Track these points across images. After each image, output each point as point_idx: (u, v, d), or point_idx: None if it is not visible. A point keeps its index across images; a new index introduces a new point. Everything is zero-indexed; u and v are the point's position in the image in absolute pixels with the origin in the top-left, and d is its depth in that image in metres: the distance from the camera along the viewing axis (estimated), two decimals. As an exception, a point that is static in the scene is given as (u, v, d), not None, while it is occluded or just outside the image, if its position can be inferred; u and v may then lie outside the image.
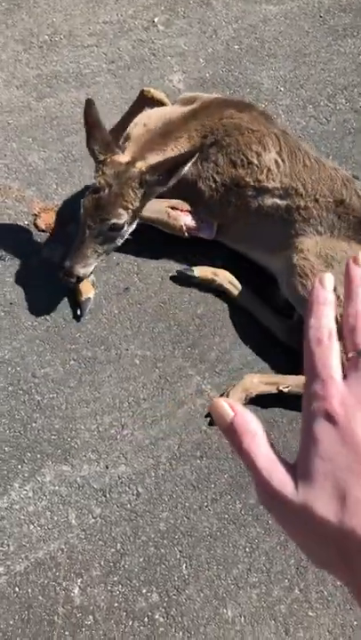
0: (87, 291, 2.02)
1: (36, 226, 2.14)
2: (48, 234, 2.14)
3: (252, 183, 2.04)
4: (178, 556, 1.72)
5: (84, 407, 1.87)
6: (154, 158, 1.90)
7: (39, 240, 2.12)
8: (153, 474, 1.83)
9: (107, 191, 1.78)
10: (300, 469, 0.48)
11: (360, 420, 0.47)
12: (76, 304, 2.02)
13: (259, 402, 2.04)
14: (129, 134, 1.98)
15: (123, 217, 1.83)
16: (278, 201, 2.04)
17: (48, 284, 2.05)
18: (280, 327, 2.07)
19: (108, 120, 2.46)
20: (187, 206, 2.11)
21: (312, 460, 0.47)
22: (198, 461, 1.89)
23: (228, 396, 1.94)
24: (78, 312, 2.00)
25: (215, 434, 1.94)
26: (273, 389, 1.95)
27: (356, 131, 2.93)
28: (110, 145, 1.84)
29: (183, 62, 2.86)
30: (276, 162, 2.05)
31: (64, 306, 2.02)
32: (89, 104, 1.83)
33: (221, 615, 1.69)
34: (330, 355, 0.50)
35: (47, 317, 1.98)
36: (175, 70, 2.82)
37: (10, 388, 1.84)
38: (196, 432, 1.93)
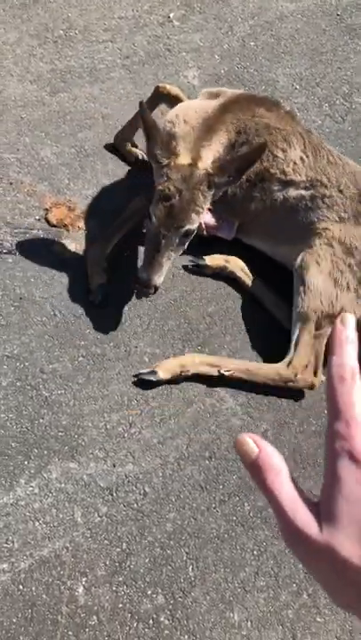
0: (99, 277, 2.02)
1: (48, 221, 2.13)
2: (59, 229, 2.12)
3: (278, 175, 2.05)
4: (184, 558, 1.69)
5: (92, 404, 1.84)
6: (207, 155, 1.86)
7: (50, 235, 2.10)
8: (160, 473, 1.80)
9: (178, 198, 1.74)
10: (324, 509, 0.48)
11: None
12: (90, 291, 2.02)
13: (269, 403, 2.01)
14: (171, 133, 1.93)
15: (196, 222, 1.81)
16: (303, 192, 2.05)
17: (58, 279, 2.03)
18: (288, 316, 2.05)
19: (122, 116, 2.45)
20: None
21: (336, 501, 0.47)
22: (207, 462, 1.86)
23: (161, 364, 1.92)
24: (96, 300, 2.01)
25: (225, 434, 1.91)
26: (214, 371, 1.92)
27: (373, 130, 2.88)
28: (169, 146, 1.79)
29: (198, 58, 2.83)
30: (302, 158, 2.07)
31: (74, 302, 2.00)
32: (142, 107, 1.78)
33: (228, 619, 1.66)
34: (353, 393, 0.51)
35: (57, 313, 1.96)
36: (190, 66, 2.79)
37: (18, 384, 1.82)
38: (205, 432, 1.90)
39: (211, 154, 1.89)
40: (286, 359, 1.96)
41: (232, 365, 1.94)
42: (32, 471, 1.71)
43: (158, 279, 1.82)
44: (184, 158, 1.81)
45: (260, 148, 1.83)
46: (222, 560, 1.71)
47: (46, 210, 2.14)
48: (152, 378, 1.88)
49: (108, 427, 1.82)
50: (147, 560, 1.67)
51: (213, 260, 2.14)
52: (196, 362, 1.92)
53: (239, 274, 2.15)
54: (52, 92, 2.47)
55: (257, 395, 2.02)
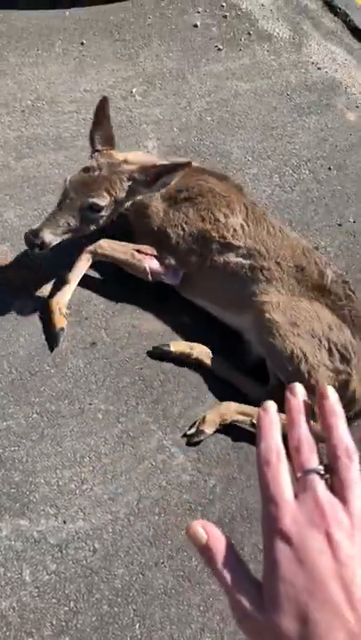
0: (60, 322, 2.11)
1: (8, 280, 2.21)
2: (20, 289, 2.21)
3: (217, 238, 2.18)
4: (131, 615, 1.72)
5: (45, 461, 1.89)
6: (135, 163, 2.03)
7: (10, 293, 2.19)
8: (110, 529, 1.84)
9: (96, 173, 1.89)
10: (265, 591, 0.52)
11: (311, 538, 0.51)
12: (51, 336, 2.12)
13: (218, 458, 2.09)
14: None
15: (104, 200, 1.91)
16: (242, 260, 2.16)
17: (16, 337, 2.10)
18: (259, 393, 2.11)
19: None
20: (152, 251, 2.23)
21: (274, 583, 0.51)
22: (156, 517, 1.91)
23: (204, 420, 2.05)
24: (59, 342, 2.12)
25: (174, 489, 1.98)
26: (247, 421, 2.04)
27: (318, 200, 3.12)
28: (110, 140, 1.97)
29: (158, 130, 3.04)
30: (242, 226, 2.20)
31: (31, 359, 2.06)
32: (104, 100, 1.96)
33: None
34: (280, 475, 0.56)
35: (13, 370, 2.02)
36: (150, 137, 2.99)
37: (-29, 440, 1.86)
38: (155, 488, 1.96)
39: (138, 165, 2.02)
40: None
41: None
42: (-18, 529, 1.73)
43: (49, 236, 1.88)
44: (119, 155, 1.98)
45: (185, 164, 1.98)
46: (169, 617, 1.74)
47: (7, 269, 2.23)
48: (200, 437, 2.03)
49: (60, 483, 1.86)
50: (94, 619, 1.68)
51: (178, 346, 2.19)
52: (231, 409, 2.05)
53: (205, 360, 2.20)
54: (17, 158, 2.61)
55: (207, 449, 2.10)
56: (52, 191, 2.55)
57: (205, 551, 0.56)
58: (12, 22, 3.15)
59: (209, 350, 2.21)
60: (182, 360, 2.19)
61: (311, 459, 0.57)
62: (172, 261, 2.22)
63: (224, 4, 4.03)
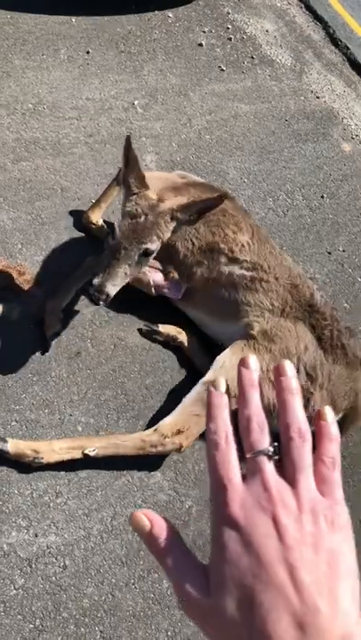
0: (54, 326, 2.12)
1: (-5, 283, 2.17)
2: (7, 292, 2.17)
3: (225, 251, 2.23)
4: (98, 637, 1.67)
5: (21, 471, 1.84)
6: (170, 201, 2.00)
7: (-3, 297, 2.15)
8: (83, 546, 1.80)
9: (143, 219, 1.88)
10: (211, 575, 0.51)
11: (258, 521, 0.50)
12: (42, 339, 2.11)
13: (195, 479, 2.06)
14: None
15: (155, 244, 1.91)
16: (246, 272, 2.23)
17: (0, 342, 2.06)
18: None
19: (81, 190, 2.58)
20: (157, 264, 2.26)
21: (220, 566, 0.50)
22: (130, 536, 1.87)
23: (11, 441, 1.82)
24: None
25: (150, 508, 1.94)
26: (77, 454, 1.88)
27: (310, 227, 3.15)
28: (143, 181, 1.94)
29: (157, 144, 3.04)
30: (248, 243, 2.27)
31: (12, 366, 2.02)
32: (129, 140, 1.92)
33: None
34: (228, 457, 0.54)
35: (-6, 376, 1.98)
36: (149, 151, 2.99)
37: None
38: (130, 506, 1.92)
39: (173, 202, 2.02)
40: (154, 426, 1.97)
41: (96, 443, 1.91)
42: None
43: (112, 289, 1.86)
44: (152, 194, 1.96)
45: (221, 196, 1.98)
46: (136, 640, 1.70)
47: (-5, 272, 2.19)
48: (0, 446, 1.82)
49: (34, 495, 1.82)
50: (59, 638, 1.63)
51: (167, 328, 2.30)
52: (55, 449, 1.85)
53: (187, 343, 2.31)
54: (14, 160, 2.58)
55: (185, 469, 2.07)
56: (46, 197, 2.53)
57: (149, 539, 0.55)
58: (19, 25, 3.14)
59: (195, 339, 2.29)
60: (167, 342, 2.32)
61: (261, 439, 0.55)
62: (176, 275, 2.27)
63: (230, 27, 4.08)
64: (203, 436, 2.04)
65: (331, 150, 3.69)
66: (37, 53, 3.08)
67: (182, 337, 2.32)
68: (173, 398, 2.21)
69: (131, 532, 1.88)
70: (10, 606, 1.63)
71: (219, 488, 0.53)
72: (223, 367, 2.05)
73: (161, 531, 0.55)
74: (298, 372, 2.08)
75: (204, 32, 3.90)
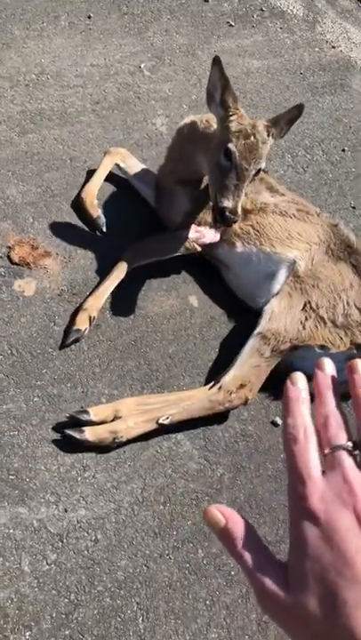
0: (82, 322, 2.01)
1: (10, 259, 2.12)
2: (21, 267, 2.12)
3: (267, 185, 2.37)
4: (135, 608, 1.64)
5: (46, 446, 1.80)
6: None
7: (11, 273, 2.10)
8: (113, 519, 1.76)
9: (253, 138, 1.90)
10: (291, 570, 0.50)
11: (339, 515, 0.49)
12: (67, 331, 2.02)
13: (226, 446, 2.00)
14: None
15: (265, 162, 1.98)
16: (292, 204, 2.34)
17: (17, 318, 2.01)
18: None
19: (90, 159, 2.50)
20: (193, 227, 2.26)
21: (301, 561, 0.49)
22: (161, 507, 1.82)
23: (93, 413, 1.82)
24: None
25: (180, 478, 1.89)
26: (152, 426, 1.86)
27: (331, 182, 3.01)
28: (237, 100, 1.99)
29: (167, 107, 2.93)
30: (285, 189, 2.45)
31: (32, 340, 1.98)
32: (219, 60, 1.94)
33: (178, 674, 1.60)
34: (307, 453, 0.54)
35: (13, 352, 1.93)
36: (159, 114, 2.88)
37: (-31, 424, 1.77)
38: (160, 476, 1.87)
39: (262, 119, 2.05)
40: (217, 384, 1.98)
41: (169, 411, 1.89)
42: (-21, 516, 1.65)
43: (240, 209, 1.91)
44: (244, 114, 2.00)
45: (300, 108, 2.02)
46: (174, 611, 1.66)
47: (9, 248, 2.14)
48: (83, 417, 1.82)
49: (61, 470, 1.78)
50: (95, 611, 1.60)
51: (99, 411, 1.87)
52: (130, 425, 1.84)
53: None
54: (20, 133, 2.50)
55: (214, 437, 2.01)
56: (55, 168, 2.45)
57: (223, 535, 0.55)
58: (17, -6, 3.03)
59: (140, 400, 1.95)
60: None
61: (339, 435, 0.55)
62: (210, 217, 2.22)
63: (236, -20, 3.89)
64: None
65: (350, 101, 3.50)
66: (37, 22, 2.97)
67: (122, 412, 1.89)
68: (198, 366, 2.15)
69: (162, 503, 1.83)
70: (44, 582, 1.60)
71: (297, 482, 0.52)
72: (273, 316, 2.08)
73: (236, 526, 0.55)
74: (348, 306, 2.11)
75: (209, -13, 3.72)
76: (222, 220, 1.90)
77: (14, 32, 2.87)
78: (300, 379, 0.59)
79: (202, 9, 3.56)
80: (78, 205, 2.33)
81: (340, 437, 0.54)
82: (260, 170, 1.96)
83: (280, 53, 3.58)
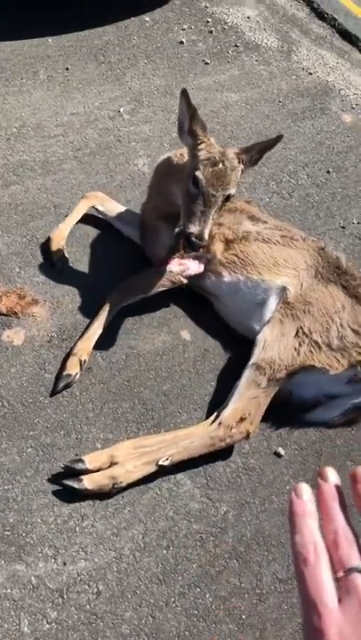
0: (73, 367, 2.00)
1: (-3, 309, 2.13)
2: (9, 317, 2.12)
3: (247, 213, 2.38)
4: (142, 664, 1.56)
5: (42, 498, 1.76)
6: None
7: (0, 323, 2.10)
8: (115, 568, 1.70)
9: (221, 165, 1.92)
10: None
11: None
12: (58, 377, 2.01)
13: (228, 482, 1.94)
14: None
15: (235, 188, 1.98)
16: (275, 231, 2.33)
17: (7, 368, 2.00)
18: None
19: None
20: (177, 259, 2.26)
21: None
22: (164, 551, 1.76)
23: (88, 461, 1.78)
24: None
25: (182, 519, 1.83)
26: (151, 468, 1.82)
27: (319, 204, 3.00)
28: (205, 128, 2.01)
29: (148, 147, 2.97)
30: (266, 216, 2.46)
31: (23, 390, 1.96)
32: (186, 92, 1.98)
33: None
34: (319, 577, 0.50)
35: (4, 403, 1.91)
36: (140, 155, 2.92)
37: None
38: (161, 519, 1.82)
39: (233, 148, 2.07)
40: (216, 420, 1.94)
41: (168, 452, 1.85)
42: (-24, 576, 1.60)
43: (207, 234, 1.91)
44: (215, 142, 2.03)
45: (278, 138, 2.04)
46: (184, 663, 1.58)
47: (-4, 299, 2.15)
48: (78, 466, 1.78)
49: (58, 521, 1.73)
50: (100, 669, 1.53)
51: (94, 458, 1.83)
52: (129, 469, 1.79)
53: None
54: (3, 186, 2.55)
55: (216, 473, 1.95)
56: (40, 216, 2.48)
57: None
58: (-4, 54, 3.14)
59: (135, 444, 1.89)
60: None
61: (352, 555, 0.51)
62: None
63: (209, 20, 4.00)
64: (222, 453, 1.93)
65: (331, 124, 3.53)
66: (16, 78, 3.07)
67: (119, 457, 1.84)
68: (195, 402, 2.11)
69: (165, 548, 1.77)
70: (45, 641, 1.54)
71: (312, 612, 0.49)
72: (266, 345, 2.05)
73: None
74: (343, 328, 2.09)
75: (183, 30, 3.83)
76: (189, 245, 1.92)
77: (-6, 90, 2.96)
78: (304, 491, 0.56)
79: (177, 51, 3.66)
80: (46, 246, 2.35)
81: (353, 557, 0.51)
82: (229, 196, 1.96)
83: (257, 84, 3.65)
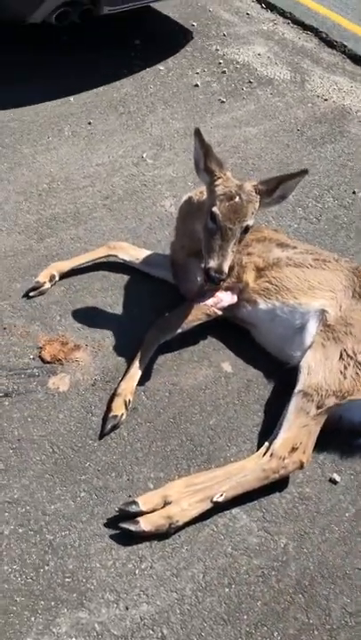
0: (118, 408, 2.02)
1: (42, 358, 2.18)
2: (53, 364, 2.17)
3: (275, 241, 2.41)
4: None
5: (99, 542, 1.76)
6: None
7: (45, 371, 2.15)
8: (178, 610, 1.67)
9: (238, 199, 1.96)
10: None
11: None
12: (105, 419, 2.03)
13: (285, 513, 1.90)
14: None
15: (252, 219, 2.02)
16: (306, 255, 2.34)
17: (55, 415, 2.04)
18: None
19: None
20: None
21: None
22: (227, 590, 1.72)
23: (142, 503, 1.78)
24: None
25: (242, 555, 1.79)
26: (206, 505, 1.81)
27: (348, 225, 3.00)
28: (222, 164, 2.06)
29: (173, 188, 3.05)
30: (294, 241, 2.50)
31: (71, 435, 1.99)
32: (199, 131, 2.08)
33: None
34: None
35: (55, 449, 1.94)
36: (166, 196, 3.00)
37: (20, 530, 1.76)
38: (220, 556, 1.78)
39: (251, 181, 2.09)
40: (268, 451, 1.91)
41: (222, 487, 1.83)
42: (40, 627, 1.59)
43: (226, 268, 1.94)
44: (232, 176, 2.07)
45: (302, 172, 2.06)
46: None
47: (40, 348, 2.21)
48: (132, 509, 1.78)
49: (117, 564, 1.72)
50: None
51: (148, 500, 1.83)
52: (184, 507, 1.79)
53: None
54: (39, 239, 2.65)
55: (271, 505, 1.91)
56: (75, 264, 2.56)
57: None
58: (23, 119, 3.32)
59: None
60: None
61: None
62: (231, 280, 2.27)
63: (221, 62, 4.14)
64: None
65: (352, 145, 3.56)
66: (43, 137, 3.23)
67: (172, 496, 1.83)
68: (243, 434, 2.09)
69: (227, 586, 1.73)
70: None
71: None
72: (311, 370, 2.04)
73: None
74: None
75: (197, 73, 3.98)
76: (209, 279, 1.94)
77: (23, 151, 3.12)
78: None
79: (193, 93, 3.79)
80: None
81: None
82: (247, 227, 1.99)
83: (274, 116, 3.72)
